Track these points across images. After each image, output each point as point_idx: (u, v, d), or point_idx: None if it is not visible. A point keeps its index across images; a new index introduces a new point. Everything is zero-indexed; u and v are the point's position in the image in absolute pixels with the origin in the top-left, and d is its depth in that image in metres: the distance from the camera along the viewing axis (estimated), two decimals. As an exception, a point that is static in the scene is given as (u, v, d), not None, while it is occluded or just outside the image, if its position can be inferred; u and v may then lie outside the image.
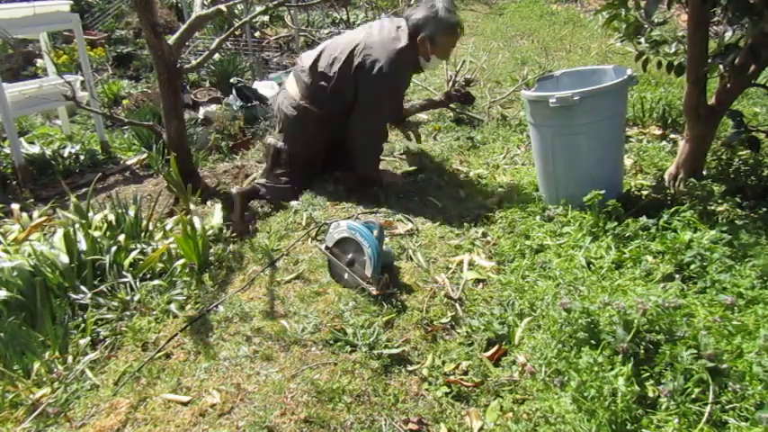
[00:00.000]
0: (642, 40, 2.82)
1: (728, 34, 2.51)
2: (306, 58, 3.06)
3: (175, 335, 2.02)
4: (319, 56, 2.99)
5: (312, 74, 2.98)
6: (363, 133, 2.99)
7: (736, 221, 2.25)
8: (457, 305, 2.17)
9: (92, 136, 4.45)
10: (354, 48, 2.90)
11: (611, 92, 2.48)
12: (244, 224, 2.99)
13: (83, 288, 2.21)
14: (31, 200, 3.42)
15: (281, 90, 3.21)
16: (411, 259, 2.45)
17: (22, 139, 4.19)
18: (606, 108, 2.49)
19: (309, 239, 2.62)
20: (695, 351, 1.50)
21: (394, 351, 1.90)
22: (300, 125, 3.04)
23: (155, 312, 2.15)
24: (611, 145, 2.62)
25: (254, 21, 7.25)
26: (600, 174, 2.57)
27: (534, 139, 2.73)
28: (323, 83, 2.95)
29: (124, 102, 5.19)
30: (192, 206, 2.85)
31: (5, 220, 3.02)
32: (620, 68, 2.68)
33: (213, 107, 4.74)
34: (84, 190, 3.61)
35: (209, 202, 3.13)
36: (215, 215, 2.86)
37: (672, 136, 3.50)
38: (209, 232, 2.69)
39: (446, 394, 1.77)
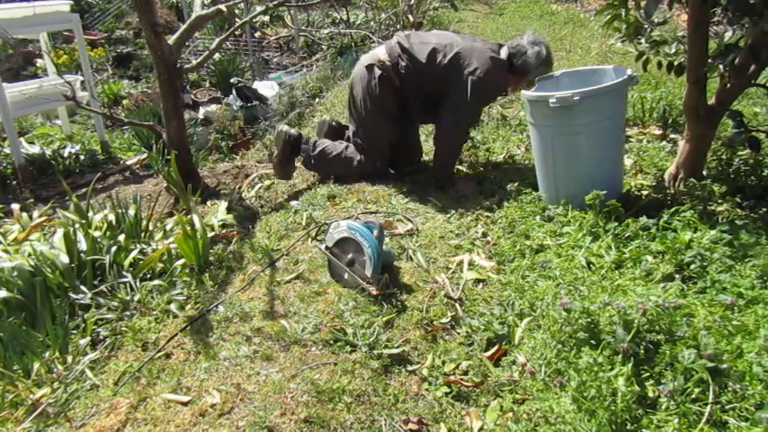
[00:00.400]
0: (642, 40, 2.82)
1: (728, 34, 2.51)
2: (403, 34, 3.19)
3: (175, 335, 2.02)
4: (411, 35, 3.14)
5: (408, 40, 3.08)
6: (450, 132, 3.08)
7: (736, 221, 2.25)
8: (457, 305, 2.17)
9: (92, 136, 4.45)
10: (449, 44, 3.00)
11: (611, 92, 2.48)
12: (283, 170, 3.16)
13: (83, 288, 2.21)
14: (31, 200, 3.42)
15: (363, 57, 3.25)
16: (411, 259, 2.45)
17: (21, 139, 4.19)
18: (606, 108, 2.49)
19: (309, 239, 2.62)
20: (695, 351, 1.50)
21: (394, 351, 1.90)
22: (375, 85, 3.06)
23: (155, 312, 2.15)
24: (611, 145, 2.61)
25: (254, 21, 7.25)
26: (600, 174, 2.57)
27: (534, 139, 2.73)
28: (413, 57, 3.02)
29: (124, 102, 5.20)
30: (191, 206, 2.85)
31: (5, 220, 3.02)
32: (620, 68, 2.67)
33: (213, 107, 4.74)
34: (84, 190, 3.62)
35: (208, 202, 3.13)
36: (218, 213, 2.86)
37: (672, 136, 3.50)
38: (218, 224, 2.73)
39: (446, 394, 1.77)
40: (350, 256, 2.25)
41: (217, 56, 5.87)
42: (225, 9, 3.17)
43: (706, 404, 1.42)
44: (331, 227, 2.35)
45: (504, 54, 3.01)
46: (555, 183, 2.69)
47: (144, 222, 2.65)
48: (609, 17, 2.74)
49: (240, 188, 3.35)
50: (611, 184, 2.53)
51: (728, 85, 2.49)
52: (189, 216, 2.49)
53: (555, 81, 2.88)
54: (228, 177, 3.59)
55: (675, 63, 2.78)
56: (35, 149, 4.02)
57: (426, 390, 1.79)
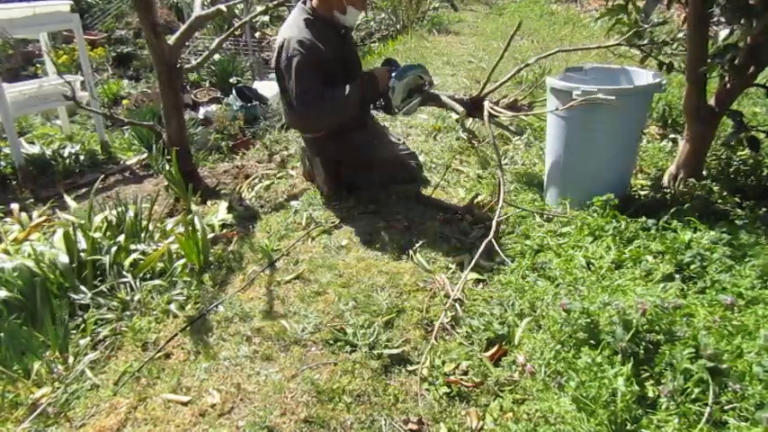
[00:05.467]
0: (644, 41, 2.82)
1: (725, 32, 2.50)
2: None
3: (175, 335, 2.02)
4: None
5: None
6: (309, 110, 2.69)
7: (736, 221, 2.25)
8: (457, 305, 2.17)
9: (92, 136, 4.45)
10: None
11: (637, 94, 2.47)
12: (330, 185, 3.02)
13: (83, 288, 2.21)
14: (31, 200, 3.42)
15: None
16: (411, 259, 2.45)
17: (21, 139, 4.18)
18: (629, 109, 2.47)
19: (310, 239, 2.62)
20: (695, 351, 1.50)
21: (394, 351, 1.90)
22: None
23: (155, 312, 2.15)
24: (626, 146, 2.61)
25: (254, 21, 7.25)
26: (609, 173, 2.57)
27: (552, 129, 2.70)
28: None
29: (124, 102, 5.19)
30: (192, 206, 2.85)
31: (6, 219, 3.02)
32: (649, 73, 2.66)
33: (213, 107, 4.74)
34: (83, 190, 3.61)
35: (209, 202, 3.13)
36: (218, 213, 2.87)
37: (672, 136, 3.50)
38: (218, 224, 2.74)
39: (446, 394, 1.77)
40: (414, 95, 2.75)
41: (216, 56, 5.86)
42: (225, 9, 3.17)
43: (706, 404, 1.42)
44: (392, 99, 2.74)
45: (303, 8, 2.77)
46: (563, 178, 2.68)
47: (144, 222, 2.65)
48: (612, 23, 2.75)
49: (240, 188, 3.34)
50: (618, 185, 2.53)
51: (728, 85, 2.49)
52: (190, 216, 2.49)
53: (583, 74, 2.86)
54: (228, 177, 3.59)
55: (675, 64, 2.78)
56: (35, 149, 4.01)
57: (426, 390, 1.79)
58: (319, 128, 2.86)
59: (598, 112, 2.43)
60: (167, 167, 3.08)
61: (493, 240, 2.28)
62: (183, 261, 2.37)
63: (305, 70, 2.65)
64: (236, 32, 6.16)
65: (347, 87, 2.69)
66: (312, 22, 2.74)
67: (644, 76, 2.68)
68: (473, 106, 2.89)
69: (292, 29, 2.73)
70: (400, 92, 2.74)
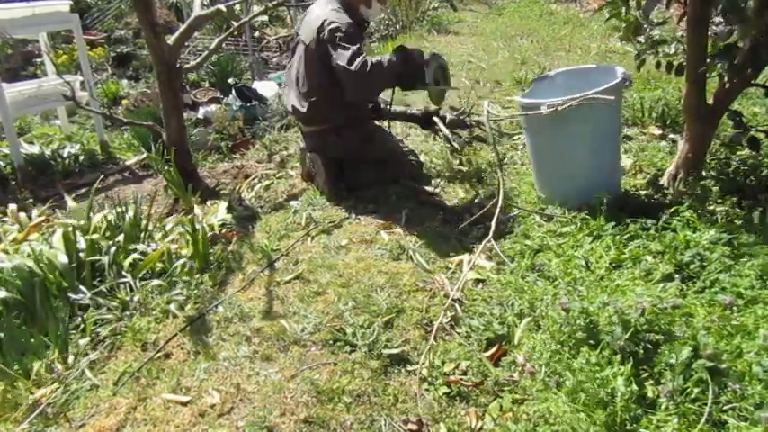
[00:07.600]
0: (642, 39, 2.82)
1: (721, 28, 2.49)
2: None
3: (175, 335, 2.02)
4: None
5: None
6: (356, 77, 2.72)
7: (736, 221, 2.25)
8: (457, 305, 2.17)
9: (91, 136, 4.45)
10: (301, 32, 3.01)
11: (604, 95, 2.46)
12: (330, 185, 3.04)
13: (82, 288, 2.21)
14: (31, 200, 3.42)
15: None
16: (411, 259, 2.45)
17: (21, 139, 4.18)
18: (599, 111, 2.46)
19: (309, 239, 2.62)
20: (694, 351, 1.50)
21: (394, 351, 1.91)
22: None
23: (154, 312, 2.15)
24: (606, 147, 2.60)
25: (253, 21, 7.26)
26: (596, 176, 2.56)
27: (528, 143, 2.72)
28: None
29: (123, 102, 5.19)
30: (191, 206, 2.85)
31: (5, 219, 3.02)
32: (615, 68, 2.65)
33: (213, 107, 4.74)
34: (83, 190, 3.61)
35: (208, 202, 3.13)
36: (218, 213, 2.87)
37: (671, 136, 3.50)
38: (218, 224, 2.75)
39: (446, 394, 1.77)
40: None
41: (215, 57, 5.86)
42: (224, 9, 3.17)
43: (705, 404, 1.42)
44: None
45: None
46: (551, 186, 2.68)
47: (143, 222, 2.65)
48: (610, 15, 2.75)
49: (240, 188, 3.35)
50: (608, 186, 2.52)
51: (728, 85, 2.49)
52: (190, 216, 2.49)
53: (549, 81, 2.85)
54: (228, 177, 3.59)
55: (675, 63, 2.78)
56: (34, 149, 4.01)
57: (426, 390, 1.79)
58: (371, 92, 2.97)
59: (568, 121, 2.42)
60: (167, 168, 3.08)
61: (492, 241, 2.30)
62: (182, 261, 2.37)
63: (354, 39, 2.77)
64: (235, 32, 6.16)
65: (389, 56, 2.81)
66: (344, 12, 2.88)
67: (611, 72, 2.62)
68: (424, 120, 3.48)
69: (332, 13, 2.84)
70: (433, 68, 2.92)
